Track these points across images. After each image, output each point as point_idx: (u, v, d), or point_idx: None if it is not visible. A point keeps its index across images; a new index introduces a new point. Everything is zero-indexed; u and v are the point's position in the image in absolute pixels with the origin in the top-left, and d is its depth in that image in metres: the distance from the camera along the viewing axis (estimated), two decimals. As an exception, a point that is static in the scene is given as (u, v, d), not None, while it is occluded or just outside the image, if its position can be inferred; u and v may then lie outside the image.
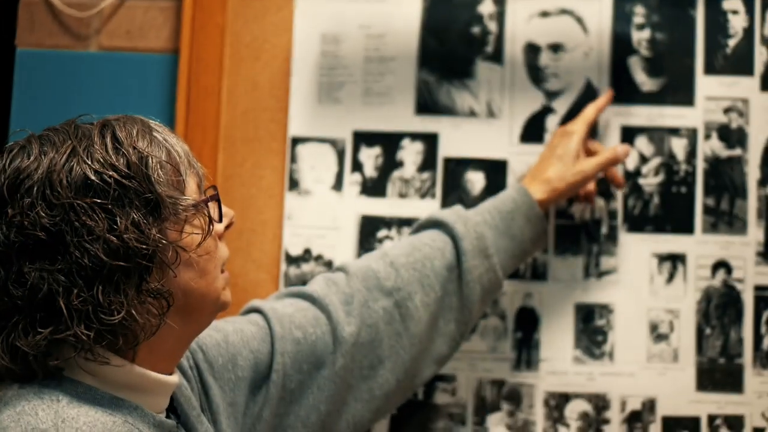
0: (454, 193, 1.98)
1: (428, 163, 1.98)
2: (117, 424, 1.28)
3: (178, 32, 2.02)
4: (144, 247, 1.28)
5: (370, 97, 2.00)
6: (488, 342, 1.95)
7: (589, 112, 1.92)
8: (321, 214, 1.99)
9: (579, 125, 1.89)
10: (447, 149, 1.98)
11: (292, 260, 1.98)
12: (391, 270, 1.72)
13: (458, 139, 1.98)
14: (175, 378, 1.40)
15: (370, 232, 1.98)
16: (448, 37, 2.00)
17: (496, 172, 1.97)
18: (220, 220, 1.41)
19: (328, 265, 1.97)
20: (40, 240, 1.27)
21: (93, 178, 1.28)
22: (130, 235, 1.27)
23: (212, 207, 1.38)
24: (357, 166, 2.00)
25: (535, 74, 1.99)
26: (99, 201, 1.27)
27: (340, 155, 2.00)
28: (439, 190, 1.98)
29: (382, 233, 1.98)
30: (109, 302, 1.27)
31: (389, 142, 1.99)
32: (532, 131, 1.98)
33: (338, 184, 1.99)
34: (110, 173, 1.29)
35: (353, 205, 1.99)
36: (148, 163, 1.31)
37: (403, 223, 1.97)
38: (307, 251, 1.98)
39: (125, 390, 1.33)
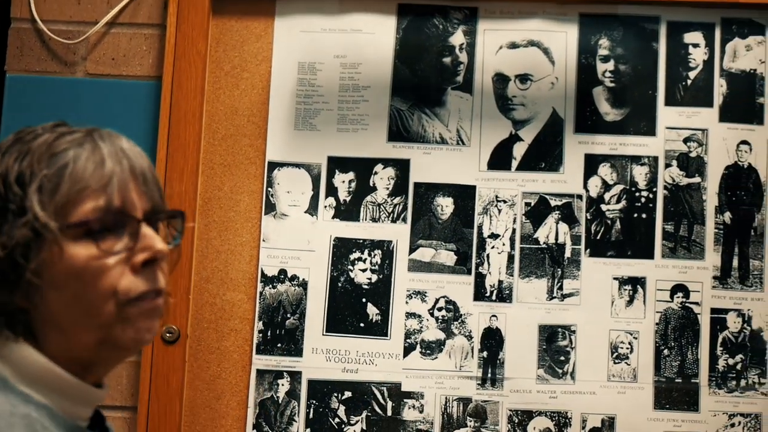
0: (425, 217, 2.13)
1: (400, 188, 2.14)
2: (15, 414, 1.26)
3: (161, 60, 2.18)
4: (12, 252, 1.26)
5: (344, 124, 2.16)
6: (455, 361, 2.10)
7: None
8: (296, 237, 2.14)
9: None
10: (418, 175, 2.14)
11: (268, 280, 2.13)
12: None
13: (429, 165, 2.14)
14: (98, 391, 1.34)
15: (343, 254, 2.13)
16: (421, 66, 2.16)
17: (464, 197, 2.13)
18: (132, 251, 1.30)
19: (303, 285, 2.12)
20: None
21: None
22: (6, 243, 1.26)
23: (146, 235, 1.30)
24: (331, 191, 2.15)
25: (504, 103, 2.15)
26: None
27: (315, 180, 2.15)
28: (410, 214, 2.13)
29: (354, 255, 2.13)
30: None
31: (362, 168, 2.15)
32: (500, 158, 2.14)
33: (313, 208, 2.15)
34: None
35: (327, 227, 2.14)
36: (26, 179, 1.28)
37: (375, 245, 2.13)
38: (283, 272, 2.13)
39: (36, 386, 1.29)
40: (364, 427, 2.09)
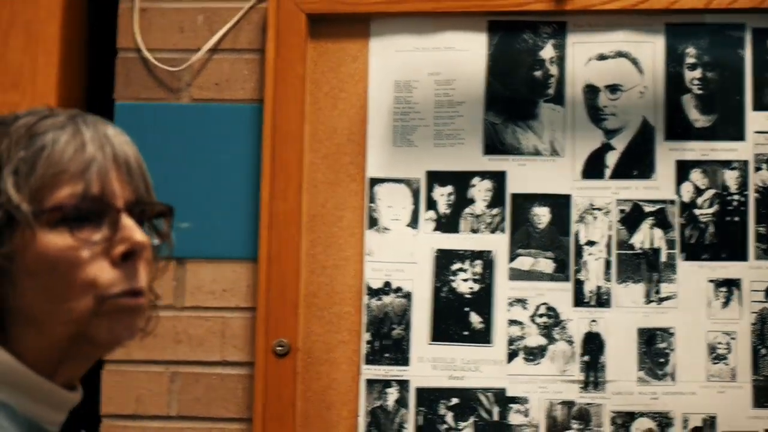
0: (522, 227, 2.23)
1: (497, 199, 2.24)
2: None
3: (262, 83, 2.28)
4: None
5: (441, 139, 2.26)
6: (558, 365, 2.20)
7: None
8: (399, 250, 2.24)
9: None
10: (514, 186, 2.24)
11: (373, 293, 2.24)
12: None
13: (524, 176, 2.23)
14: (68, 393, 1.28)
15: (444, 265, 2.23)
16: (513, 81, 2.26)
17: (560, 206, 2.22)
18: (116, 242, 1.24)
19: (407, 296, 2.23)
20: None
21: None
22: None
23: (126, 226, 1.25)
24: (431, 204, 2.25)
25: (595, 114, 2.24)
26: None
27: (415, 194, 2.26)
28: (508, 224, 2.23)
29: (455, 266, 2.23)
30: None
31: (460, 181, 2.25)
32: (593, 167, 2.23)
33: (414, 221, 2.25)
34: None
35: (428, 240, 2.25)
36: (2, 161, 1.24)
37: (475, 256, 2.23)
38: (387, 284, 2.24)
39: None
40: (472, 432, 2.20)
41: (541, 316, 2.21)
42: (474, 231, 2.24)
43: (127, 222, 1.24)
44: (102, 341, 1.24)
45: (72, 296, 1.21)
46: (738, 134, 2.22)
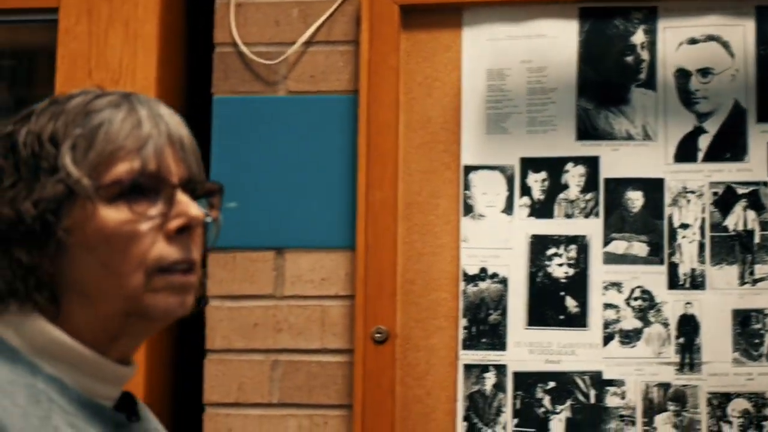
0: (616, 211, 2.33)
1: (591, 184, 2.34)
2: (16, 382, 1.26)
3: (356, 74, 2.41)
4: (45, 210, 1.28)
5: (534, 125, 2.37)
6: (653, 348, 2.30)
7: None
8: (494, 236, 2.36)
9: None
10: (607, 171, 2.34)
11: (469, 279, 2.36)
12: None
13: (617, 161, 2.34)
14: (122, 368, 1.34)
15: (539, 250, 2.35)
16: (604, 67, 2.36)
17: (653, 190, 2.33)
18: (166, 218, 1.31)
19: (503, 282, 2.34)
20: None
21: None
22: (30, 198, 1.28)
23: (181, 201, 1.31)
24: (525, 190, 2.36)
25: (686, 98, 2.34)
26: (6, 166, 1.30)
27: (510, 181, 2.37)
28: (602, 209, 2.34)
29: (550, 251, 2.34)
30: (30, 260, 1.28)
31: (554, 167, 2.36)
32: (686, 151, 2.33)
33: (509, 208, 2.37)
34: (5, 143, 1.32)
35: (523, 226, 2.36)
36: (15, 138, 1.31)
37: (570, 241, 2.34)
38: (483, 270, 2.35)
39: (47, 357, 1.29)
40: (569, 416, 2.31)
41: (636, 299, 2.31)
42: (568, 216, 2.35)
43: (183, 197, 1.31)
44: (155, 315, 1.30)
45: (127, 270, 1.27)
46: (831, 115, 2.31)
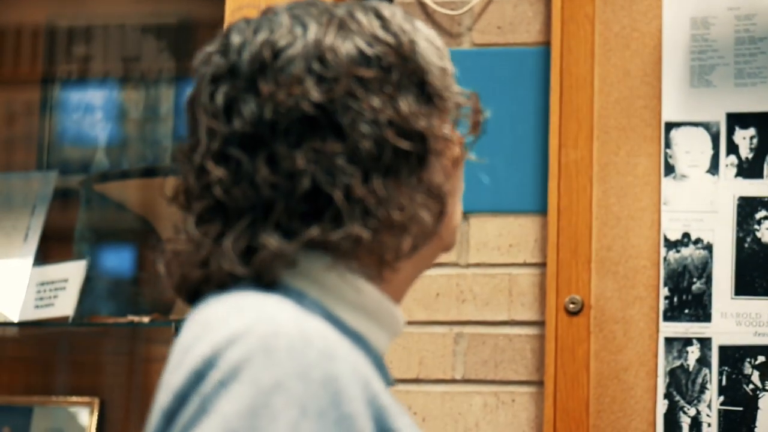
0: (833, 170, 2.85)
1: (805, 141, 2.86)
2: (353, 349, 1.49)
3: (548, 25, 2.96)
4: (423, 134, 1.56)
5: (742, 78, 2.89)
6: None
7: None
8: (698, 198, 2.87)
9: None
10: (824, 127, 2.86)
11: (671, 245, 2.88)
12: None
13: (835, 116, 2.85)
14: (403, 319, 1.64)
15: (748, 213, 2.85)
16: (820, 14, 2.88)
17: None
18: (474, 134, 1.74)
19: (708, 248, 2.86)
20: (308, 118, 1.51)
21: (369, 52, 1.56)
22: (414, 118, 1.55)
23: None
24: (732, 148, 2.88)
25: None
26: (380, 76, 1.55)
27: (715, 138, 2.89)
28: (817, 168, 2.85)
29: (760, 214, 2.86)
30: (390, 195, 1.53)
31: (764, 123, 2.87)
32: None
33: (714, 167, 2.89)
34: (385, 50, 1.57)
35: (730, 187, 2.87)
36: (417, 47, 1.60)
37: (781, 203, 2.85)
38: (686, 235, 2.87)
39: (361, 318, 1.57)
40: None
41: None
42: (779, 176, 2.86)
43: None
44: (452, 247, 1.72)
45: (459, 201, 1.71)
46: None
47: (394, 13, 1.61)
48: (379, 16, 1.59)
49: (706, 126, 2.89)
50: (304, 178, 1.50)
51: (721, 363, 2.83)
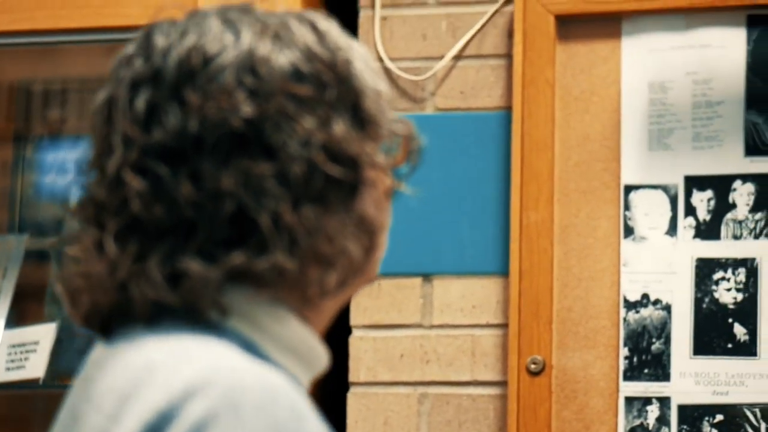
0: (789, 231, 2.96)
1: (761, 203, 2.96)
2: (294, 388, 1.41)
3: (509, 90, 3.07)
4: (356, 160, 1.48)
5: (699, 141, 3.00)
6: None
7: None
8: (657, 260, 2.98)
9: None
10: (779, 189, 2.97)
11: (630, 306, 2.98)
12: None
13: (790, 178, 2.96)
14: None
15: (706, 274, 2.96)
16: (775, 78, 3.00)
17: (830, 208, 2.94)
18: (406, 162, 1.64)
19: (667, 309, 2.96)
20: (237, 135, 1.43)
21: (305, 68, 1.47)
22: (348, 143, 1.48)
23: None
24: (690, 210, 2.99)
25: None
26: (314, 94, 1.46)
27: (673, 200, 3.00)
28: (773, 229, 2.96)
29: (717, 275, 2.96)
30: (319, 224, 1.46)
31: (721, 185, 2.98)
32: None
33: (672, 229, 2.99)
34: (320, 67, 1.48)
35: (688, 248, 2.98)
36: (352, 68, 1.51)
37: (738, 264, 2.95)
38: (645, 296, 2.98)
39: (286, 354, 1.50)
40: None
41: (810, 325, 2.92)
42: (736, 237, 2.96)
43: None
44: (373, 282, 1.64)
45: (386, 234, 1.61)
46: None
47: (330, 28, 1.53)
48: (316, 30, 1.51)
49: (664, 188, 3.00)
50: (229, 199, 1.42)
51: (680, 422, 2.93)
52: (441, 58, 3.12)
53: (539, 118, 3.03)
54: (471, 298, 3.05)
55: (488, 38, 3.11)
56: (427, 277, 3.07)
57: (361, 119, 1.50)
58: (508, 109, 3.07)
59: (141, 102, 1.46)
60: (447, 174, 3.08)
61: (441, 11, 3.13)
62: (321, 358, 1.54)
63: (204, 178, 1.42)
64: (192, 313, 1.43)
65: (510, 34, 3.09)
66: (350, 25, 3.15)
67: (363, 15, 3.16)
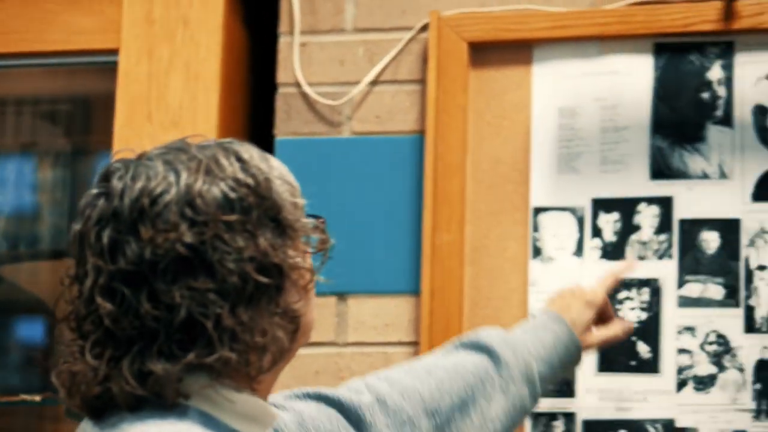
0: (690, 252, 3.06)
1: (664, 225, 3.08)
2: None
3: (423, 115, 3.17)
4: (280, 265, 1.85)
5: (606, 165, 3.12)
6: (729, 394, 3.00)
7: (609, 281, 2.85)
8: (564, 280, 3.08)
9: (599, 297, 2.80)
10: (682, 211, 3.07)
11: (537, 323, 3.10)
12: (436, 393, 2.37)
13: (692, 201, 3.06)
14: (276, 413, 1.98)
15: (611, 294, 3.08)
16: (679, 104, 3.11)
17: (730, 231, 3.05)
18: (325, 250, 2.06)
19: (572, 326, 3.07)
20: (183, 258, 1.78)
21: (233, 195, 1.83)
22: (272, 252, 1.84)
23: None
24: (596, 232, 3.11)
25: (765, 135, 3.06)
26: (242, 218, 1.83)
27: (580, 222, 3.11)
28: (675, 250, 3.06)
29: (622, 295, 3.07)
30: (253, 322, 1.82)
31: (626, 207, 3.09)
32: (764, 190, 3.04)
33: (579, 250, 3.11)
34: (245, 192, 1.85)
35: (594, 269, 3.08)
36: (272, 185, 1.89)
37: (642, 284, 3.07)
38: (552, 314, 3.09)
39: (241, 421, 1.87)
40: (639, 466, 3.02)
41: (710, 343, 3.02)
42: (641, 258, 3.08)
43: None
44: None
45: (314, 303, 2.04)
46: None
47: (252, 155, 1.91)
48: (240, 159, 1.88)
49: (572, 210, 3.12)
50: (180, 310, 1.77)
51: (585, 437, 3.04)
52: (358, 83, 3.24)
53: (452, 142, 3.15)
54: (384, 316, 3.16)
55: (404, 64, 3.24)
56: (341, 296, 3.17)
57: (282, 227, 1.88)
58: (422, 133, 3.18)
59: (105, 237, 1.80)
60: (362, 195, 3.19)
61: (358, 38, 3.25)
62: (271, 415, 1.92)
63: (159, 295, 1.77)
64: (161, 400, 1.78)
65: (425, 60, 3.20)
66: (269, 51, 3.28)
67: (282, 41, 3.28)
